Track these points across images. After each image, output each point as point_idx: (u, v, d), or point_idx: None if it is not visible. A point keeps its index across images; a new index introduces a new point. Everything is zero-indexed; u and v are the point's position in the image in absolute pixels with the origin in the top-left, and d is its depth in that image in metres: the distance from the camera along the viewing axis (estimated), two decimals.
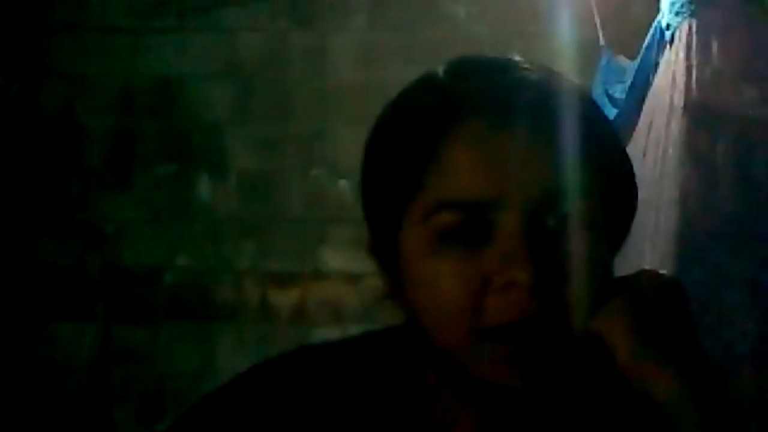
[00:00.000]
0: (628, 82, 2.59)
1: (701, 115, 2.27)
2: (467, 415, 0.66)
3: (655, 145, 2.37)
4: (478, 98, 0.63)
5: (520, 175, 0.61)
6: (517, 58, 0.67)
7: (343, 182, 2.97)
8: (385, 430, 0.68)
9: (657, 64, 2.45)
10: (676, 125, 2.29)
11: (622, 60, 2.72)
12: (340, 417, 0.69)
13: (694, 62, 2.29)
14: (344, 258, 2.96)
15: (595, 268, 0.62)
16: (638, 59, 2.55)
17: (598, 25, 2.76)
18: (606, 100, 2.68)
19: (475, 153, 0.62)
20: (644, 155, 2.39)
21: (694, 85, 2.28)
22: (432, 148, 0.62)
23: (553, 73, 0.66)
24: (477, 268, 0.60)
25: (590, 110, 0.66)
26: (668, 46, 2.39)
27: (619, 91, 2.65)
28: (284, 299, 3.06)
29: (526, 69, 0.65)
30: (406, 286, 0.65)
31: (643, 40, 2.51)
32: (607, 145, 0.66)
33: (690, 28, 2.32)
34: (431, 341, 0.64)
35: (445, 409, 0.67)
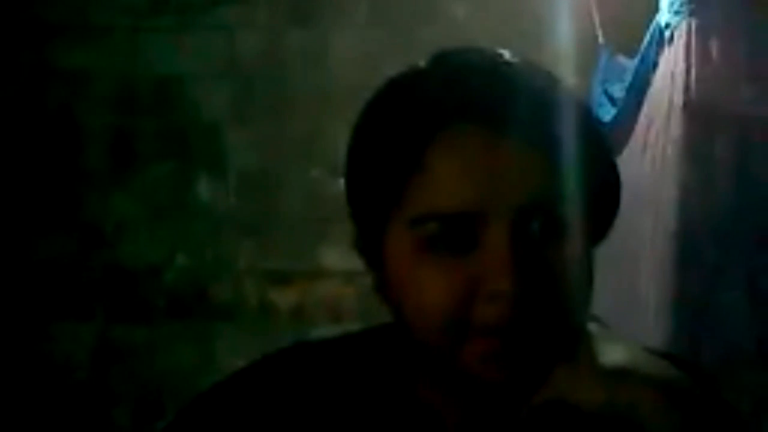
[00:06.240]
0: (628, 82, 2.59)
1: (701, 114, 2.26)
2: (456, 400, 0.67)
3: (655, 144, 2.36)
4: (466, 105, 0.62)
5: (506, 185, 0.60)
6: (509, 55, 0.66)
7: (342, 182, 2.96)
8: (381, 420, 0.69)
9: (656, 64, 2.44)
10: (676, 125, 2.29)
11: (622, 59, 2.72)
12: (337, 411, 0.70)
13: (693, 62, 2.29)
14: (343, 257, 2.96)
15: (579, 270, 0.63)
16: (637, 58, 2.55)
17: (598, 24, 2.75)
18: (606, 99, 2.68)
19: (461, 163, 0.61)
20: (644, 154, 2.39)
21: (693, 85, 2.28)
22: (417, 157, 0.62)
23: (545, 74, 0.65)
24: (462, 276, 0.61)
25: (581, 116, 0.65)
26: (667, 45, 2.39)
27: (618, 91, 2.65)
28: (283, 298, 3.06)
29: (517, 71, 0.64)
30: (391, 285, 0.66)
31: (643, 39, 2.51)
32: (595, 153, 0.65)
33: (689, 27, 2.32)
34: (416, 338, 0.64)
35: (437, 395, 0.68)
